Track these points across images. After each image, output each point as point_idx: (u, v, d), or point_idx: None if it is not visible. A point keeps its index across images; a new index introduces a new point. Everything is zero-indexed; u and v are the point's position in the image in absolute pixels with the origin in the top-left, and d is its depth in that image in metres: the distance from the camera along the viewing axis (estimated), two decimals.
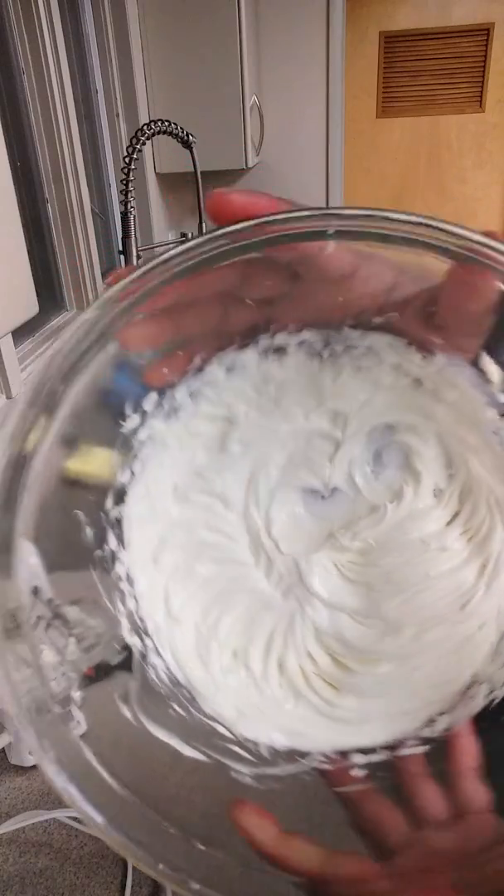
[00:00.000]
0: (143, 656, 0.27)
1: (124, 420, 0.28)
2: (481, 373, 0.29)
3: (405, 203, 3.00)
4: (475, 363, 0.29)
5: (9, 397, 1.14)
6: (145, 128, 1.38)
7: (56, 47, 1.40)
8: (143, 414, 0.28)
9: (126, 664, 0.27)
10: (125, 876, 0.53)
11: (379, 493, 0.29)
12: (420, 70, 2.76)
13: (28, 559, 0.23)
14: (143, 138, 1.38)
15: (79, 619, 0.26)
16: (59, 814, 0.57)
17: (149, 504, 0.28)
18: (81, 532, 0.27)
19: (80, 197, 1.54)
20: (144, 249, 1.60)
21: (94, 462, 0.27)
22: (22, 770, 0.63)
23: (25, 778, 0.62)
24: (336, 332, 0.30)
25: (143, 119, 2.12)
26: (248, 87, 2.18)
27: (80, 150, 1.53)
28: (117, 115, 2.04)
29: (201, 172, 1.59)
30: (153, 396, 0.29)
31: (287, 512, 0.29)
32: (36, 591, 0.23)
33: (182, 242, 0.23)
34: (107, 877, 0.53)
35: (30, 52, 1.37)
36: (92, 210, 1.62)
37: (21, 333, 1.31)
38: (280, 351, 0.29)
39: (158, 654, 0.27)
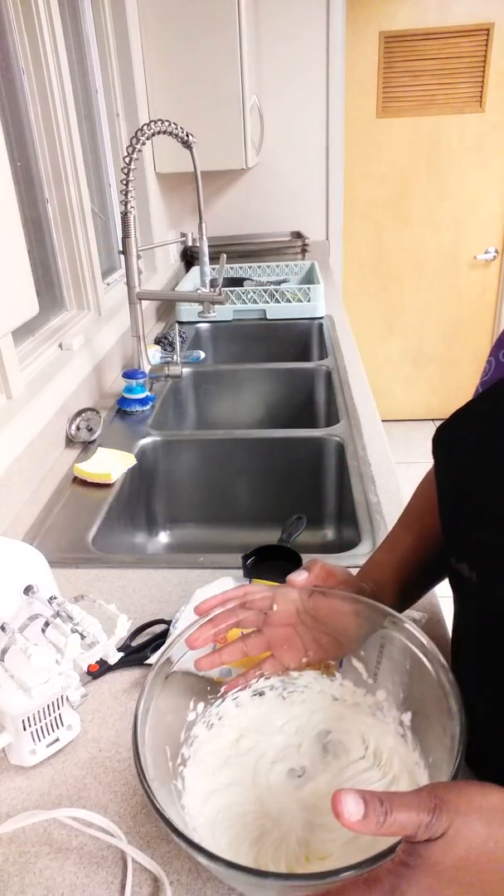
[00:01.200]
0: (203, 854, 0.42)
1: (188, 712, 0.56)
2: (354, 669, 0.57)
3: (405, 203, 3.00)
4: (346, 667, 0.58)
5: (9, 397, 1.14)
6: (145, 128, 1.38)
7: (56, 47, 1.40)
8: (195, 717, 0.56)
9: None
10: (125, 876, 0.53)
11: (328, 761, 0.54)
12: (420, 70, 2.76)
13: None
14: (143, 138, 1.38)
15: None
16: (59, 814, 0.57)
17: (199, 773, 0.53)
18: (167, 763, 0.50)
19: (80, 197, 1.54)
20: (144, 249, 1.60)
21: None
22: (22, 770, 0.63)
23: (25, 778, 0.62)
24: (286, 676, 0.59)
25: (143, 119, 2.12)
26: (248, 87, 2.18)
27: (80, 150, 1.53)
28: (117, 115, 2.04)
29: (201, 172, 1.59)
30: (202, 706, 0.57)
31: (279, 780, 0.53)
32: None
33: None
34: (107, 877, 0.53)
35: (30, 52, 1.37)
36: (92, 210, 1.62)
37: (21, 333, 1.31)
38: (262, 693, 0.59)
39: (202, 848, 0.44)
